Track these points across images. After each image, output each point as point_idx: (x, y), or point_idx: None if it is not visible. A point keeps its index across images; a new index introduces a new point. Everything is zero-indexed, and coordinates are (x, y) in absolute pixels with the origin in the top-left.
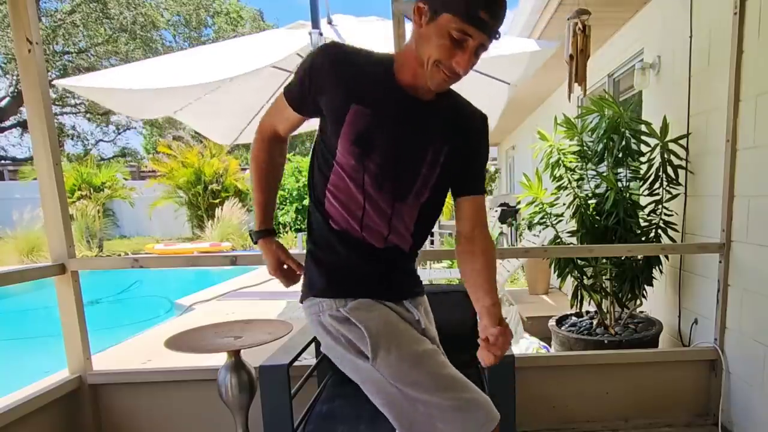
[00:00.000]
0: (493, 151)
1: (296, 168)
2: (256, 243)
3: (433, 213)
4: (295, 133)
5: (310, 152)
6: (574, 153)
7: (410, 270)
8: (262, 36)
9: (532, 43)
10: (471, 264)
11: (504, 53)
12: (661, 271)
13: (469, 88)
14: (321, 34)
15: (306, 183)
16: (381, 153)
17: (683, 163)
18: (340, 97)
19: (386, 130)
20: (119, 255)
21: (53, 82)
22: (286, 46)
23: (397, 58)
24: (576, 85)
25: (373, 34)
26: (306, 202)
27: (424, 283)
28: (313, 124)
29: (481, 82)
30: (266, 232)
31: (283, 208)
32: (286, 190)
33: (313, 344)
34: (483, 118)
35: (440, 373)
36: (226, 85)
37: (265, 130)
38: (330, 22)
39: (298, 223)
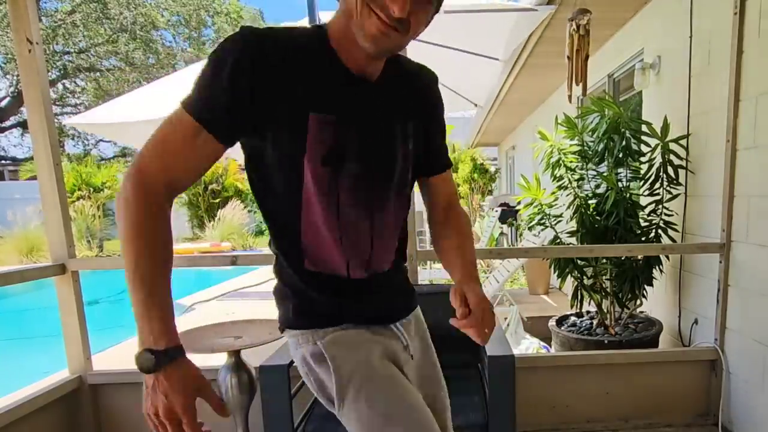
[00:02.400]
0: (493, 151)
1: None
2: (160, 368)
3: (407, 211)
4: None
5: (249, 182)
6: (574, 153)
7: (398, 285)
8: None
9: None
10: (448, 242)
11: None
12: (661, 271)
13: (461, 68)
14: None
15: None
16: (356, 164)
17: (683, 163)
18: (290, 106)
19: (356, 134)
20: (119, 255)
21: (65, 123)
22: None
23: (331, 32)
24: (575, 85)
25: None
26: None
27: (424, 282)
28: None
29: (471, 62)
30: (180, 348)
31: None
32: None
33: None
34: (433, 76)
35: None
36: None
37: (152, 183)
38: (318, 20)
39: None
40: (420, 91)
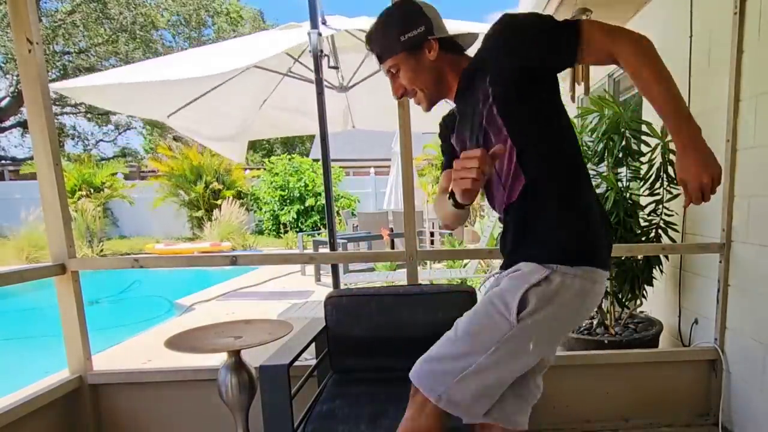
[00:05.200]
0: None
1: (296, 168)
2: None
3: (524, 139)
4: (297, 134)
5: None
6: None
7: (516, 228)
8: (251, 38)
9: None
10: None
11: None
12: (661, 271)
13: None
14: (320, 35)
15: (306, 183)
16: (460, 141)
17: None
18: None
19: (457, 126)
20: (119, 255)
21: (51, 86)
22: (275, 45)
23: None
24: (577, 84)
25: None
26: (308, 202)
27: (423, 283)
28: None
29: None
30: None
31: (284, 208)
32: (287, 190)
33: (313, 344)
34: (492, 34)
35: None
36: (218, 89)
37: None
38: (324, 23)
39: (299, 224)
40: (484, 59)
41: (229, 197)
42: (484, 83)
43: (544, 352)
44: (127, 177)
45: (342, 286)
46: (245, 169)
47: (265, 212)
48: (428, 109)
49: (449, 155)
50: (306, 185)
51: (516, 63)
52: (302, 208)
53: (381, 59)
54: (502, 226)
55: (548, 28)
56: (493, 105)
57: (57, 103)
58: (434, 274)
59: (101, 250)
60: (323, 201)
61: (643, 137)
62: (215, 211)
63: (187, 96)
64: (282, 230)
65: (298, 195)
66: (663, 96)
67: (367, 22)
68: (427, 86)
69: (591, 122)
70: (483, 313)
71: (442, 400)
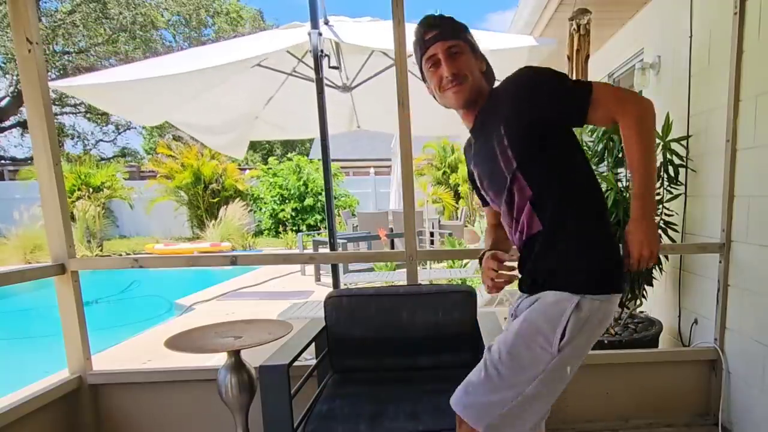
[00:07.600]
0: None
1: (297, 165)
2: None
3: (539, 183)
4: (304, 137)
5: None
6: None
7: (536, 260)
8: (254, 36)
9: (530, 39)
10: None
11: (500, 47)
12: (661, 271)
13: None
14: (320, 35)
15: (305, 182)
16: (478, 170)
17: (684, 163)
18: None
19: (476, 157)
20: (119, 255)
21: (50, 84)
22: (277, 42)
23: None
24: None
25: (372, 34)
26: (306, 201)
27: (423, 283)
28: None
29: None
30: None
31: (281, 205)
32: (285, 188)
33: (313, 344)
34: (512, 81)
35: None
36: (220, 83)
37: None
38: (327, 23)
39: (297, 221)
40: (501, 99)
41: (227, 197)
42: (499, 128)
43: (573, 374)
44: (127, 179)
45: (342, 286)
46: (243, 169)
47: (264, 211)
48: (464, 101)
49: (473, 181)
50: (306, 185)
51: (526, 119)
52: (300, 206)
53: (446, 37)
54: (519, 252)
55: (563, 90)
56: (507, 147)
57: (57, 103)
58: (434, 274)
59: (100, 249)
60: (321, 200)
61: None
62: (219, 212)
63: (187, 94)
64: (281, 229)
65: (297, 194)
66: (641, 169)
67: (371, 23)
68: (475, 80)
69: None
70: (523, 346)
71: (489, 430)
